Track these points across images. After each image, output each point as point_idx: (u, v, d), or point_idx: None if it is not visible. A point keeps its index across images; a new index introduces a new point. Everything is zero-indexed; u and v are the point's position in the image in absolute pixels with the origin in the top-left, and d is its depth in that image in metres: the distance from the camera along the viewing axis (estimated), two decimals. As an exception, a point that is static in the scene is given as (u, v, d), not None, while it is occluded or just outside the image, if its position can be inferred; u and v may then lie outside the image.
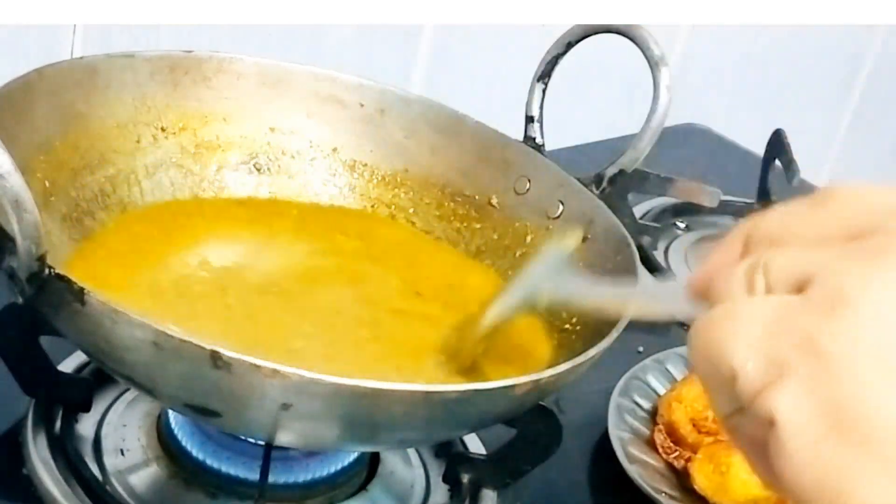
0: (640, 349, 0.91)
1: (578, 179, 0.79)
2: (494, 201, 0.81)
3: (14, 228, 0.55)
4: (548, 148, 0.84)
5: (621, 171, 0.83)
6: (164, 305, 0.67)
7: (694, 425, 0.81)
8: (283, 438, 0.60)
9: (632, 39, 0.83)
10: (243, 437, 0.67)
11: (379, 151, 0.83)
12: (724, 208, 1.14)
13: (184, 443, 0.69)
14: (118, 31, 0.93)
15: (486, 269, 0.79)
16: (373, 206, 0.82)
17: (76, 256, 0.69)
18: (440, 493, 0.73)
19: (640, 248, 0.89)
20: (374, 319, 0.71)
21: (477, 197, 0.81)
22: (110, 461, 0.69)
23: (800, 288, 0.39)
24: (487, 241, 0.80)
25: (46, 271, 0.57)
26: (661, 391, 0.85)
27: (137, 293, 0.67)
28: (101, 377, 0.72)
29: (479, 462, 0.71)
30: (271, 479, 0.67)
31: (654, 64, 0.82)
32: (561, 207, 0.78)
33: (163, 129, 0.78)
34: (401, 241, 0.80)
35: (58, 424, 0.69)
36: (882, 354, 0.37)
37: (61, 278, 0.56)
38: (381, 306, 0.72)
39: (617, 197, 0.85)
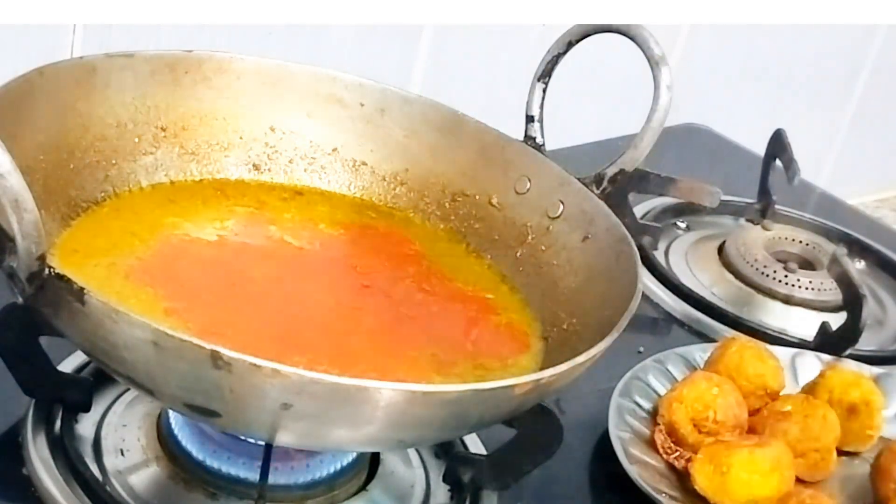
0: (641, 349, 0.91)
1: (579, 179, 0.79)
2: (495, 201, 0.81)
3: (14, 228, 0.56)
4: (548, 148, 0.84)
5: (621, 171, 0.83)
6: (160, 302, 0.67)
7: (694, 425, 0.81)
8: (283, 438, 0.60)
9: (632, 39, 0.83)
10: (243, 437, 0.67)
11: (379, 151, 0.83)
12: (725, 208, 1.14)
13: (184, 443, 0.69)
14: (118, 31, 0.93)
15: (486, 268, 0.79)
16: (374, 205, 0.82)
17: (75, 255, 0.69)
18: (440, 493, 0.73)
19: (640, 248, 0.89)
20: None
21: (477, 196, 0.81)
22: (110, 461, 0.69)
23: None
24: (488, 241, 0.80)
25: (46, 271, 0.57)
26: (662, 391, 0.85)
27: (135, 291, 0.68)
28: (101, 377, 0.72)
29: (479, 462, 0.71)
30: (271, 479, 0.67)
31: (654, 63, 0.82)
32: (561, 207, 0.78)
33: (163, 129, 0.78)
34: (400, 237, 0.80)
35: (58, 424, 0.69)
36: None
37: (61, 278, 0.56)
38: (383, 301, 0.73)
39: (617, 197, 0.85)
